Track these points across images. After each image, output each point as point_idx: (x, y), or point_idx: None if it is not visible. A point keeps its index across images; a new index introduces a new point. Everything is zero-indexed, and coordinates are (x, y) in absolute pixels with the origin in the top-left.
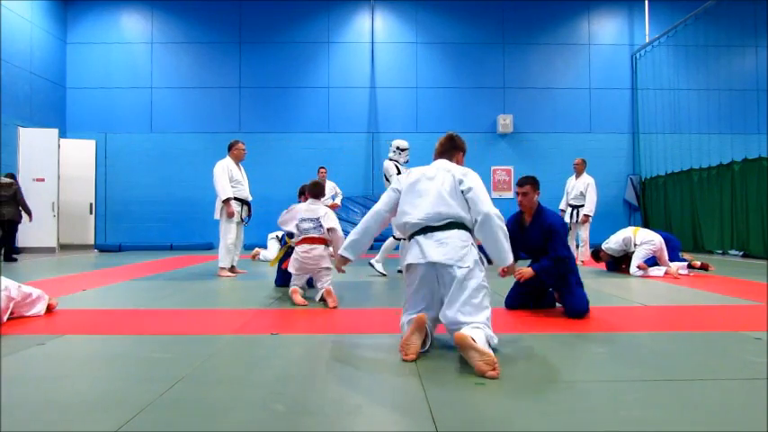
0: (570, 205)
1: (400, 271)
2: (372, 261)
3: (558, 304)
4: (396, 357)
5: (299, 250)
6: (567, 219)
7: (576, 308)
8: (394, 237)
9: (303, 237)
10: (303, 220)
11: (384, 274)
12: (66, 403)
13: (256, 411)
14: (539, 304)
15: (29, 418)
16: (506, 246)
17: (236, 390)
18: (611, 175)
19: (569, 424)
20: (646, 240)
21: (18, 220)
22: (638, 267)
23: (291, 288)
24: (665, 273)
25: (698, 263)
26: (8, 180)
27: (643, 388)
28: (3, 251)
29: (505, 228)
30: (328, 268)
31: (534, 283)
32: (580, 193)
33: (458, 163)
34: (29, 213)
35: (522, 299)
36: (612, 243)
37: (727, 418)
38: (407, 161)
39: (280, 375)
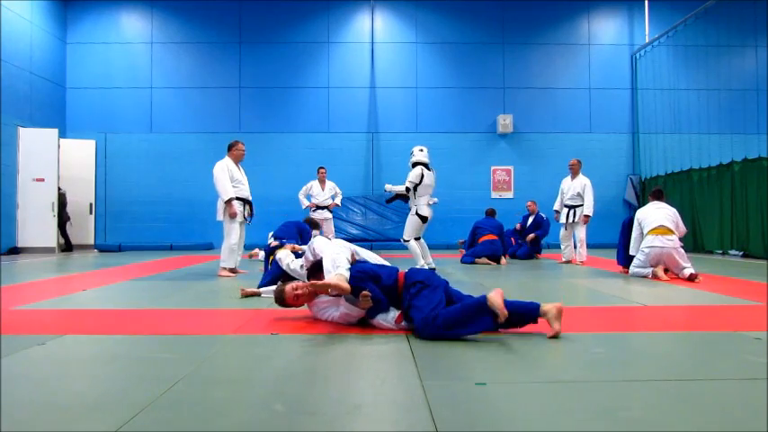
0: (567, 206)
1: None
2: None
3: None
4: (396, 357)
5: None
6: (563, 219)
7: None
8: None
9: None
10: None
11: (434, 268)
12: (66, 403)
13: (256, 411)
14: None
15: (29, 419)
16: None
17: (236, 390)
18: (611, 175)
19: (569, 424)
20: (655, 246)
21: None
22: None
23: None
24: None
25: (687, 273)
26: (63, 191)
27: (643, 388)
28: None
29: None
30: None
31: None
32: (577, 193)
33: None
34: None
35: None
36: (643, 222)
37: (728, 418)
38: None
39: (280, 375)
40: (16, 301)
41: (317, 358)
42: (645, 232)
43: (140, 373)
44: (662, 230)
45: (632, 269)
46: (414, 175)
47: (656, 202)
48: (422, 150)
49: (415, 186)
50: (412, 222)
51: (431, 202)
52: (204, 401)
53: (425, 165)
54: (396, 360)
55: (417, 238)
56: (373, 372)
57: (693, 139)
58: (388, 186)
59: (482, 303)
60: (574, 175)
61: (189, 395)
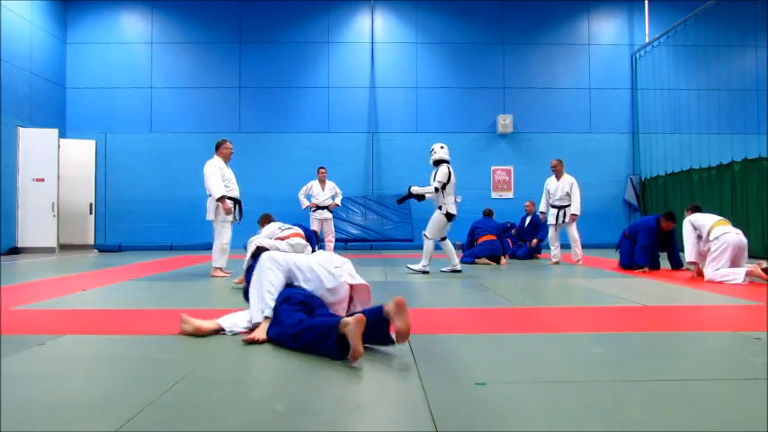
0: (555, 206)
1: (444, 270)
2: (412, 266)
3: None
4: (396, 357)
5: None
6: (552, 220)
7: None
8: (427, 237)
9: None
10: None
11: (426, 272)
12: (67, 403)
13: (256, 411)
14: None
15: (29, 418)
16: None
17: (236, 390)
18: (610, 175)
19: (569, 424)
20: (731, 232)
21: None
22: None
23: None
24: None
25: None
26: None
27: (643, 388)
28: None
29: None
30: None
31: None
32: (566, 193)
33: None
34: None
35: None
36: (697, 222)
37: (728, 418)
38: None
39: (280, 375)
40: (16, 301)
41: (317, 358)
42: (709, 229)
43: (140, 373)
44: (727, 222)
45: (711, 272)
46: (441, 174)
47: (698, 213)
48: (443, 147)
49: (444, 185)
50: (438, 221)
51: (458, 200)
52: (204, 401)
53: (449, 162)
54: (396, 360)
55: (444, 238)
56: (373, 372)
57: (693, 139)
58: (415, 189)
59: (332, 326)
60: (558, 175)
61: (189, 395)
